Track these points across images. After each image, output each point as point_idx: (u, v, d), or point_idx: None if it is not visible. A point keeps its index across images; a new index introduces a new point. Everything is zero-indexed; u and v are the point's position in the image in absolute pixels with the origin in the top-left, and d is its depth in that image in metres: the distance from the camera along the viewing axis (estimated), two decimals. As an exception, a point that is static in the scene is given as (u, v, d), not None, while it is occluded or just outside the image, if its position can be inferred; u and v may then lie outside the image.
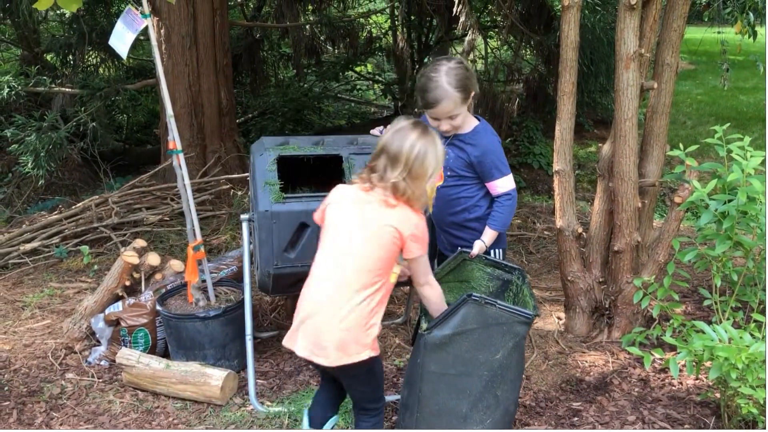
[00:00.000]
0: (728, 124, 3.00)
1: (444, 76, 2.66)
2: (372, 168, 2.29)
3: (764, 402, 2.46)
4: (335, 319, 2.23)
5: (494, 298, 2.46)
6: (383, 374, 2.51)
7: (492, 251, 2.91)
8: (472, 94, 2.75)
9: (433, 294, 2.40)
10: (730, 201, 2.75)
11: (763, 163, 2.80)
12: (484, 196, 2.90)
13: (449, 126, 2.76)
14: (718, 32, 5.85)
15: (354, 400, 2.53)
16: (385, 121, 3.77)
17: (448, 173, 2.85)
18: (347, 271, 2.25)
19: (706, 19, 6.40)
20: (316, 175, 3.37)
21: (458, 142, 2.82)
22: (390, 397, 3.06)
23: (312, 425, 2.55)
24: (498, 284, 2.76)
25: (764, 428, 2.60)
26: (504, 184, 2.82)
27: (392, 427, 2.85)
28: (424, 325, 2.41)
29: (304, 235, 2.93)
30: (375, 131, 3.30)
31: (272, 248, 2.90)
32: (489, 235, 2.81)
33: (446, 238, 3.00)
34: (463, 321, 2.35)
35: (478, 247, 2.77)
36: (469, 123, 2.83)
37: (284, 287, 3.07)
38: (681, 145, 3.00)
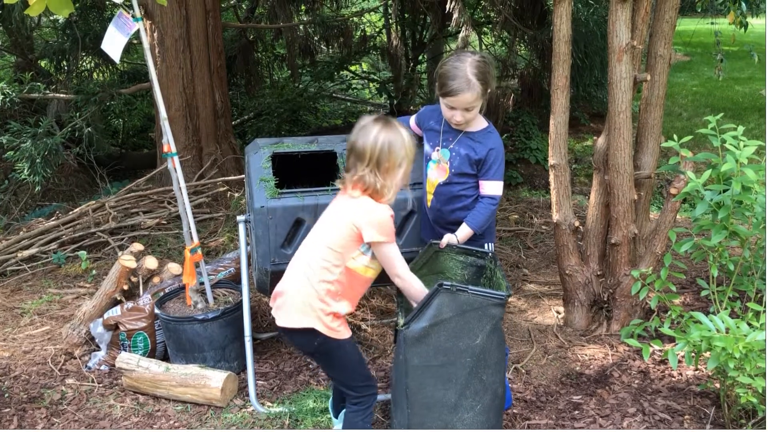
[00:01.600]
0: (722, 114, 3.00)
1: (469, 67, 2.71)
2: (347, 168, 2.45)
3: (763, 391, 2.46)
4: (295, 291, 2.43)
5: (470, 284, 2.48)
6: (359, 364, 2.54)
7: (486, 245, 2.92)
8: (488, 91, 2.77)
9: (405, 286, 2.47)
10: (725, 191, 2.75)
11: (757, 152, 2.80)
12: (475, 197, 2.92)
13: (462, 118, 2.78)
14: (712, 23, 5.86)
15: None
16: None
17: (453, 170, 2.85)
18: (312, 254, 2.44)
19: (699, 10, 6.41)
20: (312, 175, 3.37)
21: (468, 140, 2.83)
22: (389, 395, 3.06)
23: (335, 415, 2.81)
24: (472, 271, 2.77)
25: (763, 416, 2.61)
26: (493, 188, 2.85)
27: (388, 427, 2.86)
28: (400, 321, 2.42)
29: (300, 230, 2.93)
30: None
31: (269, 245, 2.90)
32: (464, 232, 2.82)
33: (442, 232, 3.00)
34: (438, 311, 2.36)
35: (447, 238, 2.80)
36: (480, 121, 2.86)
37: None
38: (675, 137, 3.00)
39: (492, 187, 2.84)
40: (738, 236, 2.80)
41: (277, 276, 2.92)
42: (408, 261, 3.03)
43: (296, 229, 2.93)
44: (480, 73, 2.70)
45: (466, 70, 2.69)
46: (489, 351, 2.44)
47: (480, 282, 2.74)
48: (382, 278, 3.17)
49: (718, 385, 2.87)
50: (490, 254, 2.74)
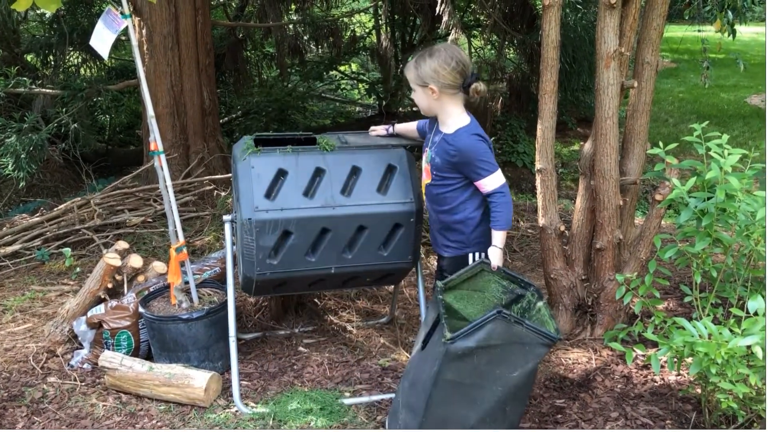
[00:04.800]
0: (707, 122, 3.03)
1: (417, 53, 2.84)
2: None
3: (743, 396, 2.49)
4: None
5: (504, 309, 2.49)
6: None
7: (472, 254, 2.87)
8: (431, 86, 2.74)
9: None
10: (709, 198, 2.78)
11: (741, 160, 2.83)
12: (470, 198, 2.85)
13: (413, 95, 2.91)
14: (699, 31, 5.91)
15: None
16: (371, 122, 3.77)
17: (435, 172, 2.86)
18: None
19: (686, 18, 6.46)
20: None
21: (444, 143, 2.82)
22: (374, 397, 3.07)
23: None
24: (510, 298, 2.74)
25: (743, 422, 2.64)
26: (492, 182, 2.78)
27: (377, 427, 2.86)
28: (447, 335, 2.36)
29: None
30: (380, 130, 3.24)
31: (252, 196, 2.88)
32: (499, 237, 2.79)
33: (436, 235, 3.00)
34: (488, 336, 2.34)
35: (495, 256, 2.77)
36: (455, 122, 2.82)
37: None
38: (661, 143, 3.03)
39: (490, 183, 2.78)
40: (721, 243, 2.83)
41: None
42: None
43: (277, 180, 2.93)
44: (418, 64, 2.78)
45: (414, 57, 2.85)
46: (521, 386, 2.44)
47: (512, 310, 2.71)
48: (371, 254, 3.16)
49: (699, 391, 2.90)
50: (533, 287, 2.70)
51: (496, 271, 2.77)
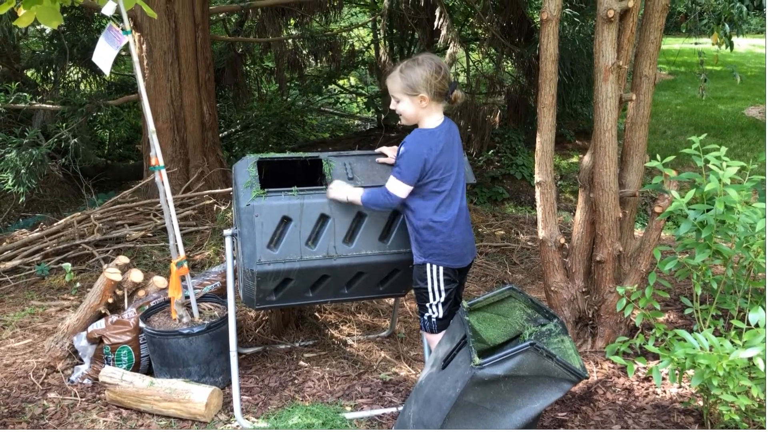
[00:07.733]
0: (705, 135, 3.04)
1: (405, 60, 2.84)
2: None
3: (745, 408, 2.48)
4: None
5: (523, 337, 2.52)
6: None
7: (425, 262, 2.85)
8: (422, 95, 2.75)
9: None
10: (708, 210, 2.79)
11: (739, 172, 2.84)
12: (414, 210, 2.83)
13: (393, 105, 2.89)
14: (696, 43, 5.95)
15: None
16: (370, 135, 3.78)
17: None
18: None
19: (683, 30, 6.50)
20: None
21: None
22: (375, 411, 3.06)
23: None
24: (532, 326, 2.75)
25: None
26: (390, 182, 2.78)
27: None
28: (476, 360, 2.36)
29: (287, 229, 2.92)
30: (389, 155, 3.10)
31: (254, 244, 2.88)
32: (354, 194, 2.85)
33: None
34: (518, 366, 2.34)
35: (335, 186, 2.89)
36: (421, 123, 2.83)
37: (268, 293, 3.04)
38: (659, 156, 3.04)
39: (390, 181, 2.78)
40: (721, 255, 2.83)
41: (264, 278, 2.90)
42: (394, 264, 3.04)
43: (283, 227, 2.91)
44: (406, 69, 2.78)
45: (401, 63, 2.85)
46: (536, 418, 2.45)
47: (529, 335, 2.72)
48: (368, 290, 3.17)
49: (701, 403, 2.89)
50: (557, 319, 2.70)
51: (521, 299, 2.78)
